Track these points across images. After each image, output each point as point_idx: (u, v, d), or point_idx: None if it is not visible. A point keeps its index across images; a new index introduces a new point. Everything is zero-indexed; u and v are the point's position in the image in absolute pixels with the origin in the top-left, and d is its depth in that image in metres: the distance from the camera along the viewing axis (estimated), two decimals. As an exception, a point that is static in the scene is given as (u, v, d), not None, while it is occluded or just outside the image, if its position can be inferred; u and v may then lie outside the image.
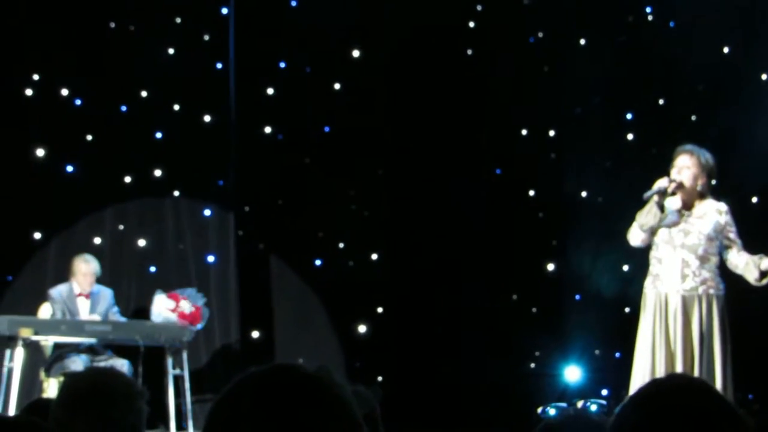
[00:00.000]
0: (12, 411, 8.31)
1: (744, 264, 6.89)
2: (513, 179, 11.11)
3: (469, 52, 11.32)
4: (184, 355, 9.28)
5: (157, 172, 10.77)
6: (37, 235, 10.38)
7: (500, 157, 11.15)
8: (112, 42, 10.54)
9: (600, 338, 10.65)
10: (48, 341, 9.15)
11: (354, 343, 10.96)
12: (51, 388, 9.00)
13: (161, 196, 10.79)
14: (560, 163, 11.14)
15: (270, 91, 11.13)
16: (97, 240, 10.51)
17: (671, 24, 11.00)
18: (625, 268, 10.34)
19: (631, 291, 9.23)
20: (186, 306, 9.30)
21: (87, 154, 10.52)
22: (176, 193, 10.81)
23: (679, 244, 6.94)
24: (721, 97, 10.48)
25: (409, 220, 11.02)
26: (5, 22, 10.26)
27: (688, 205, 7.01)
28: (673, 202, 7.01)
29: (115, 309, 9.57)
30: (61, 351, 9.19)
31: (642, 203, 6.96)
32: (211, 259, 10.85)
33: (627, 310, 10.01)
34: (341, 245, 11.18)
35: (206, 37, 10.92)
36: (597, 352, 10.76)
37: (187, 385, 9.30)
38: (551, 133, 11.22)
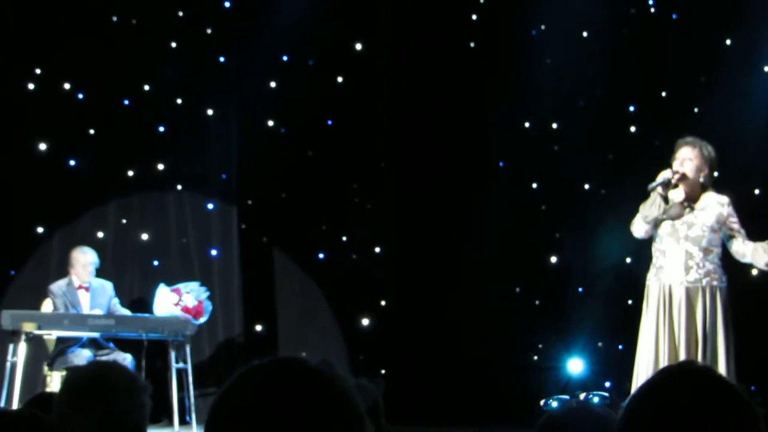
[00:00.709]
0: (15, 405, 8.33)
1: (752, 250, 6.87)
2: (516, 172, 11.10)
3: (472, 44, 11.30)
4: (188, 349, 9.30)
5: (160, 166, 10.78)
6: (40, 230, 10.39)
7: (503, 150, 11.14)
8: (114, 36, 10.53)
9: (603, 330, 10.64)
10: (51, 335, 9.17)
11: (357, 337, 10.97)
12: (54, 381, 9.02)
13: (164, 190, 10.79)
14: (563, 156, 11.12)
15: (273, 84, 11.13)
16: (100, 234, 10.52)
17: (673, 16, 10.98)
18: (628, 260, 10.33)
19: (633, 283, 9.24)
20: (189, 300, 9.31)
21: (89, 147, 10.52)
22: (179, 187, 10.81)
23: (683, 236, 6.94)
24: (723, 89, 10.46)
25: (413, 213, 11.02)
26: (7, 16, 10.26)
27: (691, 197, 7.01)
28: (677, 194, 7.01)
29: (116, 301, 9.57)
30: (64, 345, 9.21)
31: (646, 195, 6.96)
32: (214, 252, 10.86)
33: (630, 302, 10.00)
34: (344, 238, 11.19)
35: (209, 31, 10.91)
36: (600, 344, 10.75)
37: (190, 378, 9.31)
38: (554, 125, 11.21)
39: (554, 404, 8.60)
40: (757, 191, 10.30)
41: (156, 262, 10.70)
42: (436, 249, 10.95)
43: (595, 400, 8.75)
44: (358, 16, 11.05)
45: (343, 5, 10.96)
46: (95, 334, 9.16)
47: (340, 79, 11.22)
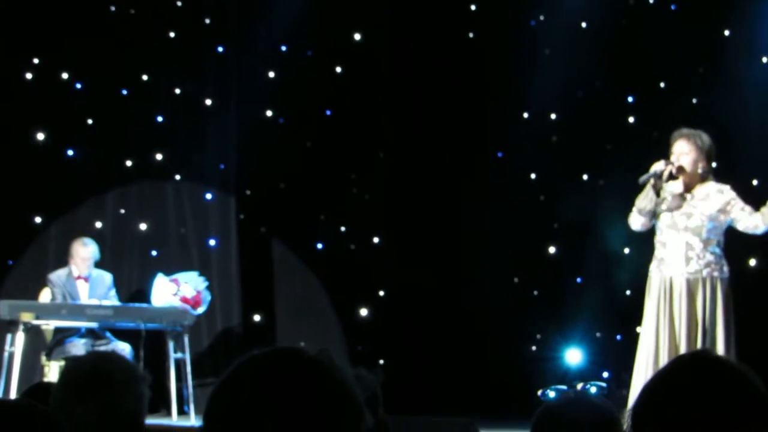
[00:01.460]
0: (13, 394, 8.34)
1: (761, 216, 6.78)
2: (514, 162, 11.10)
3: (471, 35, 11.30)
4: (186, 339, 9.30)
5: (158, 156, 10.77)
6: (38, 220, 10.38)
7: (501, 140, 11.14)
8: (112, 25, 10.52)
9: (601, 321, 10.64)
10: (49, 325, 9.17)
11: (356, 327, 10.98)
12: (52, 371, 9.02)
13: (162, 180, 10.79)
14: (561, 146, 11.12)
15: (271, 74, 11.12)
16: (99, 224, 10.51)
17: (672, 7, 10.97)
18: (626, 250, 10.34)
19: (631, 274, 9.24)
20: (188, 290, 9.31)
21: (88, 137, 10.52)
22: (177, 177, 10.81)
23: (683, 228, 6.93)
24: (721, 80, 10.45)
25: (411, 204, 11.02)
26: (5, 6, 10.24)
27: (690, 189, 7.00)
28: (676, 186, 7.01)
29: (113, 293, 9.56)
30: (62, 335, 9.21)
31: (640, 187, 6.96)
32: (212, 242, 10.86)
33: (628, 292, 10.01)
34: (343, 229, 11.19)
35: (207, 21, 10.90)
36: (598, 334, 10.76)
37: (188, 368, 9.32)
38: (552, 116, 11.20)
39: (552, 394, 8.61)
40: (755, 182, 10.29)
41: (154, 252, 10.70)
42: (433, 239, 10.96)
43: (593, 390, 8.76)
44: (357, 6, 11.04)
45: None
46: (93, 324, 9.16)
47: (339, 70, 11.22)
